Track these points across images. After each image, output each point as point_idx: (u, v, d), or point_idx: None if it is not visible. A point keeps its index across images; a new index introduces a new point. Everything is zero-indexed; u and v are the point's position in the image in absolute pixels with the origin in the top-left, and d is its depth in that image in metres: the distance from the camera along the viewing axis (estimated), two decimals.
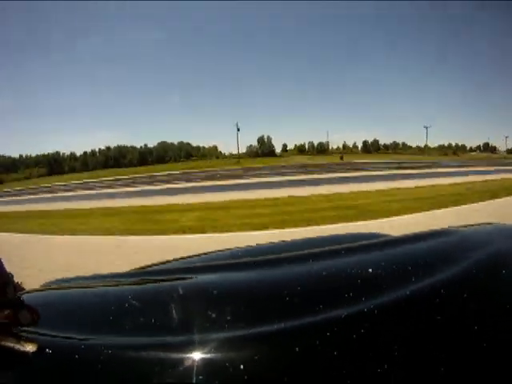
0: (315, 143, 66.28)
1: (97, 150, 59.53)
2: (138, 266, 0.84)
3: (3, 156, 55.08)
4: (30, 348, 0.41)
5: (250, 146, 62.58)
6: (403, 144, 69.41)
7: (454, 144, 69.60)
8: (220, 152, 63.30)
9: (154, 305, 0.48)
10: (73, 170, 52.50)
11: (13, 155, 56.91)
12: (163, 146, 60.02)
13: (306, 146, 66.77)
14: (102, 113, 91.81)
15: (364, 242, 0.67)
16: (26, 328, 0.45)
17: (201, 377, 0.34)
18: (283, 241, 0.89)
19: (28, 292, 0.60)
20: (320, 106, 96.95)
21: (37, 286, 0.67)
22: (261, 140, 62.85)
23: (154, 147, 60.24)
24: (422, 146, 62.32)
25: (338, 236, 0.93)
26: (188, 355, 0.36)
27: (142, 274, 0.69)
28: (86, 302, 0.56)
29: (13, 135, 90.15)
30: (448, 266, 0.49)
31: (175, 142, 60.99)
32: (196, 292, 0.50)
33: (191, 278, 0.57)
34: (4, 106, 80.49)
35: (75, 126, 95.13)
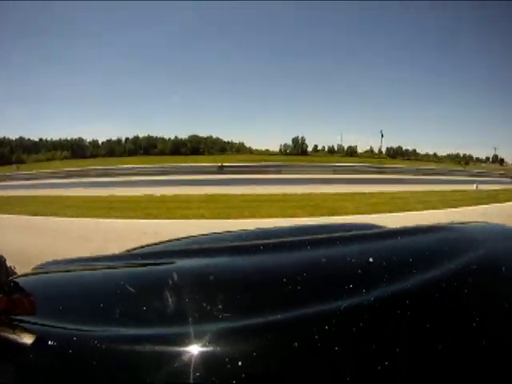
0: (329, 145, 64.23)
1: (123, 138, 55.44)
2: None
3: (23, 138, 50.41)
4: (23, 332, 0.41)
5: (285, 144, 60.32)
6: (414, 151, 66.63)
7: (461, 154, 66.47)
8: (249, 148, 60.04)
9: (145, 289, 0.47)
10: (95, 156, 48.20)
11: (32, 138, 52.25)
12: (195, 139, 56.39)
13: (336, 148, 64.48)
14: (122, 104, 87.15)
15: (358, 233, 0.67)
16: (18, 313, 0.45)
17: (195, 365, 0.33)
18: (279, 227, 0.89)
19: (20, 276, 0.59)
20: (328, 107, 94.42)
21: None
22: (295, 140, 60.71)
23: (186, 139, 56.52)
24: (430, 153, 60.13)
25: (333, 225, 0.91)
26: (182, 343, 0.35)
27: (136, 256, 0.66)
28: (76, 285, 0.55)
29: (30, 119, 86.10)
30: (441, 260, 0.49)
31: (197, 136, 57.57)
32: (184, 277, 0.49)
33: (186, 260, 0.56)
34: (20, 91, 76.27)
35: (95, 114, 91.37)
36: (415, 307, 0.39)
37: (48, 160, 43.75)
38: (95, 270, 0.59)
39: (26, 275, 0.59)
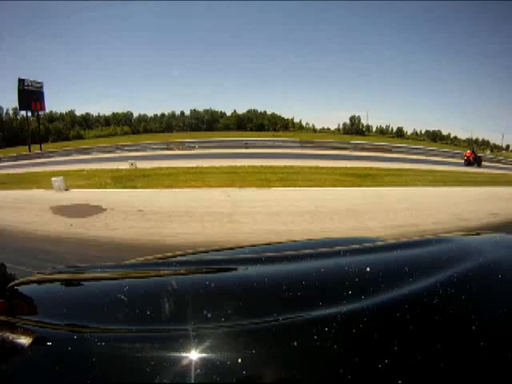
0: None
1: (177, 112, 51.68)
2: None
3: (89, 114, 46.24)
4: (22, 338, 0.41)
5: (344, 124, 58.23)
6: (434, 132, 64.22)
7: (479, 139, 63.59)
8: (313, 126, 57.51)
9: (145, 298, 0.48)
10: (153, 132, 44.76)
11: (91, 112, 48.06)
12: (255, 115, 53.22)
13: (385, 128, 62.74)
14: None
15: (360, 246, 0.69)
16: (18, 318, 0.45)
17: (203, 372, 0.34)
18: (269, 243, 0.91)
19: (20, 282, 0.58)
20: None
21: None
22: (352, 119, 58.69)
23: (245, 114, 53.27)
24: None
25: (331, 240, 0.92)
26: (190, 350, 0.35)
27: (137, 265, 0.68)
28: (77, 292, 0.55)
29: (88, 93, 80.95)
30: (439, 271, 0.50)
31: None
32: (195, 287, 0.50)
33: (194, 272, 0.57)
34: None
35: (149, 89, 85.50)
36: (414, 315, 0.41)
37: (111, 135, 40.31)
38: (98, 277, 0.59)
39: (26, 282, 0.58)
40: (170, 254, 0.78)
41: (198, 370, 0.34)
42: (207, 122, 48.83)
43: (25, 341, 0.40)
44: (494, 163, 19.67)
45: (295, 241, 0.92)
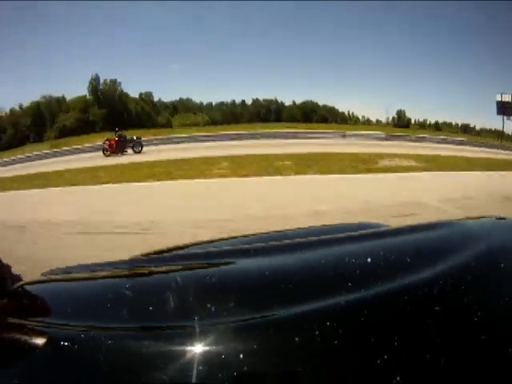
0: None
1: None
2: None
3: (182, 99, 44.97)
4: (28, 340, 0.40)
5: (393, 118, 59.71)
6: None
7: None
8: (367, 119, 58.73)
9: (161, 295, 0.47)
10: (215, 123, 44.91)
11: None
12: (309, 106, 53.95)
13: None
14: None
15: (363, 232, 0.68)
16: (24, 320, 0.44)
17: (206, 368, 0.33)
18: (277, 231, 0.89)
19: (26, 283, 0.58)
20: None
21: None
22: (399, 113, 60.21)
23: (298, 105, 53.92)
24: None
25: (334, 227, 0.92)
26: (193, 346, 0.35)
27: (151, 260, 0.67)
28: (87, 293, 0.54)
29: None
30: (445, 257, 0.50)
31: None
32: (194, 282, 0.49)
33: (202, 264, 0.56)
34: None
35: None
36: (418, 304, 0.41)
37: (195, 125, 40.14)
38: (109, 276, 0.58)
39: (32, 282, 0.58)
40: (172, 247, 0.82)
41: (201, 367, 0.33)
42: (273, 112, 49.37)
43: (33, 342, 0.40)
44: None
45: (297, 229, 0.94)
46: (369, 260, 0.51)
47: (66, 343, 0.38)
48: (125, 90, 35.32)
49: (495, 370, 0.35)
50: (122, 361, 0.36)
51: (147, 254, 0.76)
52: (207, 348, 0.35)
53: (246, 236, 0.87)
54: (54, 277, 0.63)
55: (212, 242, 0.87)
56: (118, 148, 16.01)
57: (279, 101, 52.56)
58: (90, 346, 0.37)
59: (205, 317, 0.39)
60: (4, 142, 30.11)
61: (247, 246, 0.68)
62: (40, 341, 0.39)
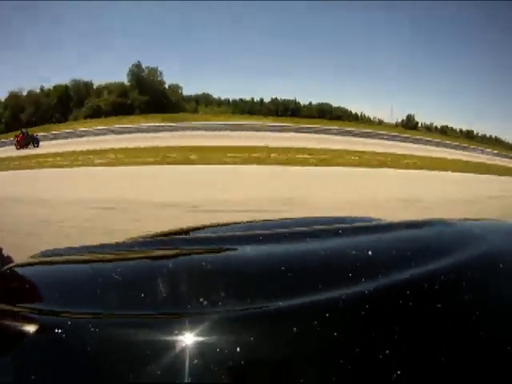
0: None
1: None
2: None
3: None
4: (18, 324, 0.39)
5: (402, 120, 61.98)
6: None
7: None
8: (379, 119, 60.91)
9: (148, 278, 0.46)
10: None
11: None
12: (326, 107, 56.32)
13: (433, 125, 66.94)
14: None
15: (358, 225, 0.68)
16: (13, 304, 0.43)
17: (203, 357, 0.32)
18: (272, 220, 0.90)
19: (17, 265, 0.56)
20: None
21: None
22: (408, 117, 62.57)
23: (314, 105, 56.37)
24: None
25: (328, 219, 0.91)
26: (189, 336, 0.34)
27: (145, 244, 0.66)
28: (77, 275, 0.53)
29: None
30: (440, 255, 0.49)
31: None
32: (190, 269, 0.48)
33: (196, 249, 0.56)
34: None
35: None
36: (412, 299, 0.40)
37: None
38: (102, 258, 0.57)
39: (23, 264, 0.57)
40: (168, 232, 0.80)
41: (195, 356, 0.32)
42: (291, 111, 51.59)
43: (23, 328, 0.38)
44: None
45: (292, 218, 0.92)
46: (365, 254, 0.50)
47: (56, 329, 0.36)
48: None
49: (490, 367, 0.34)
50: (113, 348, 0.35)
51: (144, 237, 0.76)
52: (201, 338, 0.34)
53: (237, 223, 0.85)
54: (45, 259, 0.62)
55: (210, 226, 0.86)
56: (22, 143, 18.73)
57: (297, 101, 55.27)
58: (80, 332, 0.36)
59: (200, 304, 0.38)
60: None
61: (245, 233, 0.68)
62: (28, 326, 0.38)
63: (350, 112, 58.33)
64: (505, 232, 0.71)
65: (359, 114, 58.73)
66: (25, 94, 35.94)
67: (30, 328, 0.37)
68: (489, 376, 0.34)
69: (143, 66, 37.62)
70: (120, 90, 36.16)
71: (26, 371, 0.34)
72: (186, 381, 0.31)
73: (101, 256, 0.58)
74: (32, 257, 0.62)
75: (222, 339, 0.34)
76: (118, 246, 0.61)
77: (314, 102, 55.74)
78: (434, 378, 0.33)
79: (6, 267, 0.54)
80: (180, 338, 0.33)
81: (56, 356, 0.35)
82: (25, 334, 0.37)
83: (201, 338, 0.34)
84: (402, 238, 0.59)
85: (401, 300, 0.39)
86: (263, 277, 0.46)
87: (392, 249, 0.53)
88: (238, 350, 0.33)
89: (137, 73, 36.85)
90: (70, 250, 0.62)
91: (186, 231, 0.84)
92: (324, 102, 56.29)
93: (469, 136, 58.97)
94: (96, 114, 33.81)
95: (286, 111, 51.13)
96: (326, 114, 52.60)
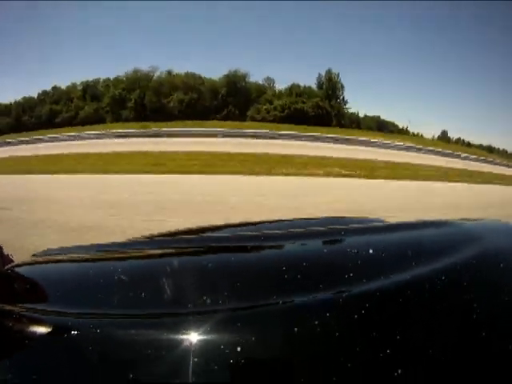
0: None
1: None
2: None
3: None
4: (19, 323, 0.39)
5: (438, 136, 64.66)
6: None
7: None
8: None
9: (147, 278, 0.47)
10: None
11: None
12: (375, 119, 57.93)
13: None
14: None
15: (361, 226, 0.70)
16: (14, 304, 0.44)
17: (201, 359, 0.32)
18: (273, 220, 0.92)
19: (18, 265, 0.58)
20: None
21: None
22: (443, 132, 63.43)
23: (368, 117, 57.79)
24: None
25: (329, 219, 0.94)
26: (191, 335, 0.34)
27: (145, 243, 0.67)
28: (79, 274, 0.53)
29: None
30: (443, 255, 0.50)
31: None
32: (193, 268, 0.49)
33: (192, 250, 0.57)
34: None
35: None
36: (413, 298, 0.41)
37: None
38: (101, 257, 0.57)
39: (24, 264, 0.57)
40: (167, 233, 0.80)
41: (197, 356, 0.32)
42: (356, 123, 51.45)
43: (23, 327, 0.38)
44: None
45: (292, 219, 0.93)
46: (366, 254, 0.50)
47: (57, 328, 0.37)
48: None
49: (490, 366, 0.35)
50: (113, 346, 0.35)
51: (144, 237, 0.74)
52: (201, 336, 0.34)
53: (237, 224, 0.85)
54: (46, 258, 0.61)
55: (210, 227, 0.85)
56: None
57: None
58: (82, 331, 0.36)
59: (200, 304, 0.39)
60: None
61: (245, 233, 0.68)
62: (29, 325, 0.38)
63: (397, 125, 61.17)
64: (504, 232, 0.72)
65: (404, 128, 61.61)
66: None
67: (31, 327, 0.38)
68: (489, 375, 0.34)
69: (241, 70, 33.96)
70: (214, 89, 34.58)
71: (27, 370, 0.34)
72: (187, 379, 0.31)
73: (101, 256, 0.58)
74: (33, 256, 0.63)
75: (222, 338, 0.34)
76: (118, 246, 0.61)
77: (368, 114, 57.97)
78: (436, 377, 0.34)
79: (7, 267, 0.55)
80: (180, 336, 0.34)
81: (57, 355, 0.35)
82: (26, 333, 0.37)
83: (201, 337, 0.34)
84: (403, 238, 0.59)
85: (401, 299, 0.40)
86: (264, 277, 0.46)
87: (393, 249, 0.54)
88: (239, 348, 0.33)
89: (230, 75, 33.22)
90: (71, 250, 0.63)
91: (186, 231, 0.85)
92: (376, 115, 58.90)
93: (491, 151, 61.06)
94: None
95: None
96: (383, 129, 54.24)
